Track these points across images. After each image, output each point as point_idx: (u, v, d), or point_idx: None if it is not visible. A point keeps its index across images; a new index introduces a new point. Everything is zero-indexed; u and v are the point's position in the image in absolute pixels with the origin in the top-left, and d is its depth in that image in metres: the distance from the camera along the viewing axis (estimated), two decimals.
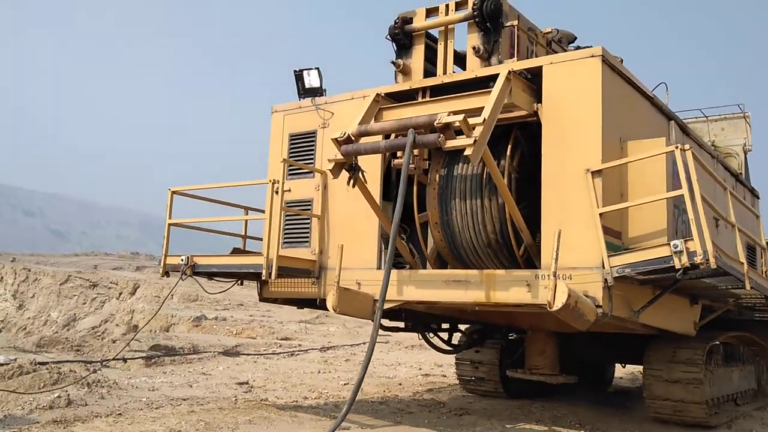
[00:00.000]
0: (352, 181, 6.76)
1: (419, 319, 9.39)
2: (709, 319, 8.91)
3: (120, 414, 8.00)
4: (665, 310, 7.31)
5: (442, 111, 6.52)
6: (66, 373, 9.35)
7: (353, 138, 6.66)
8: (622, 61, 9.38)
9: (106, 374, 10.11)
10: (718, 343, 9.03)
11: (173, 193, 8.39)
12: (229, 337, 18.21)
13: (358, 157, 6.75)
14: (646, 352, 8.84)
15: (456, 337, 10.64)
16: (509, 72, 6.63)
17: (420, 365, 14.24)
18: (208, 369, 12.42)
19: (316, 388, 10.73)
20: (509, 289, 6.67)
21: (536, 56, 8.12)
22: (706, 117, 13.58)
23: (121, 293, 26.18)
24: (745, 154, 13.74)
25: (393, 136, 7.10)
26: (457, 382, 10.99)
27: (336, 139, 6.63)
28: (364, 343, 16.65)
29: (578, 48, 9.52)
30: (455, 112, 6.25)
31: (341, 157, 6.63)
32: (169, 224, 8.41)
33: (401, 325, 9.48)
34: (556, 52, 8.70)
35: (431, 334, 10.01)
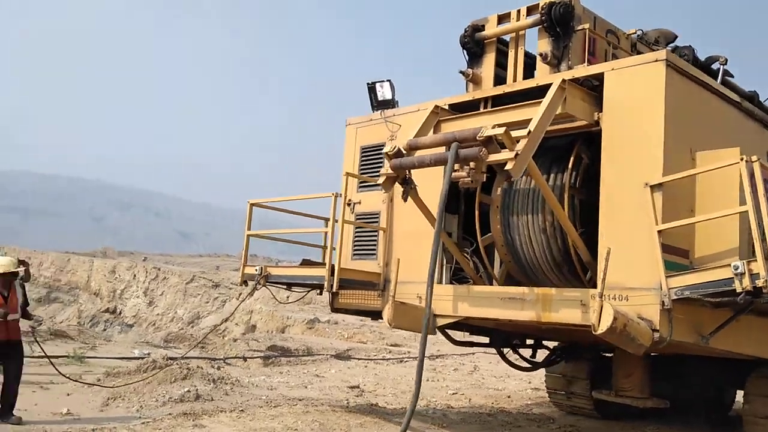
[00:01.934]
0: (404, 194, 6.96)
1: (500, 334, 9.38)
2: None
3: (242, 410, 8.64)
4: (744, 334, 6.87)
5: (500, 122, 6.57)
6: (194, 369, 10.35)
7: (404, 152, 6.86)
8: (726, 61, 8.90)
9: (228, 371, 11.04)
10: None
11: (252, 205, 8.98)
12: (340, 341, 19.12)
13: (413, 171, 6.93)
14: (747, 382, 8.35)
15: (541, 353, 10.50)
16: (563, 81, 6.54)
17: (530, 378, 14.12)
18: (321, 371, 13.15)
19: (424, 395, 11.01)
20: (561, 309, 6.59)
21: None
22: None
23: (240, 294, 27.86)
24: None
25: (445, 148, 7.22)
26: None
27: (387, 153, 6.86)
28: (473, 353, 16.74)
29: (676, 48, 9.16)
30: (506, 124, 6.28)
31: (391, 171, 6.84)
32: (248, 235, 9.02)
33: (481, 339, 9.53)
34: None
35: (508, 350, 9.94)
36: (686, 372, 9.48)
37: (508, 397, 11.90)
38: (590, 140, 7.13)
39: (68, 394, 9.49)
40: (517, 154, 5.89)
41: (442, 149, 6.99)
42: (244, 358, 13.45)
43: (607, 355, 10.28)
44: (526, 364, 10.14)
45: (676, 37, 9.46)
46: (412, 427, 8.27)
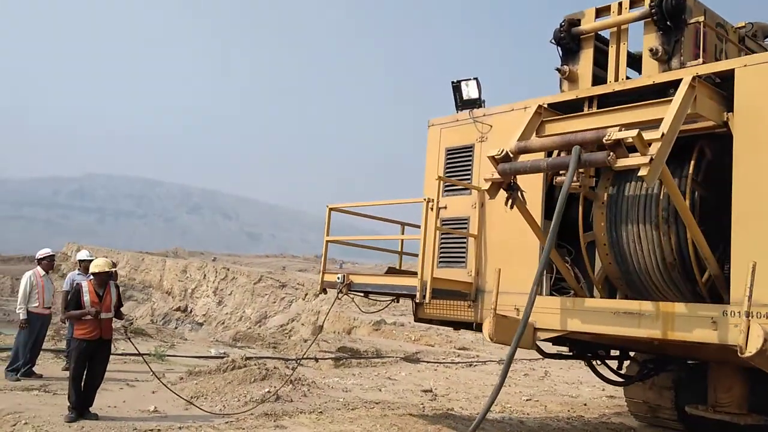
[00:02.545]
0: (510, 201, 6.28)
1: (584, 345, 8.67)
2: None
3: (321, 412, 8.61)
4: None
5: (612, 124, 5.88)
6: (271, 369, 10.31)
7: (512, 155, 6.18)
8: None
9: (302, 372, 11.05)
10: None
11: (331, 210, 8.38)
12: (408, 343, 19.01)
13: (518, 176, 6.26)
14: None
15: (627, 364, 9.79)
16: (694, 77, 5.80)
17: (603, 386, 13.62)
18: (392, 374, 13.04)
19: (499, 401, 10.77)
20: (691, 326, 5.87)
21: (726, 56, 7.15)
22: None
23: (306, 294, 27.75)
24: None
25: (555, 152, 6.53)
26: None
27: (493, 156, 6.19)
28: (543, 358, 16.47)
29: None
30: (627, 125, 5.59)
31: (498, 176, 6.17)
32: (327, 241, 8.42)
33: (565, 350, 8.82)
34: (751, 50, 7.64)
35: (598, 362, 9.24)
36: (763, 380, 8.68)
37: (585, 405, 11.41)
38: (713, 139, 6.38)
39: (153, 392, 9.41)
40: (651, 159, 5.17)
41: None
42: (316, 359, 13.29)
43: (691, 363, 9.58)
44: (618, 378, 9.37)
45: None
46: (488, 430, 8.12)
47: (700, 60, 6.65)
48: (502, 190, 6.31)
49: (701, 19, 6.77)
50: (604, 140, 5.39)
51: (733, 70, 6.01)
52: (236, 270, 31.90)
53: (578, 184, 6.62)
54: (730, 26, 7.54)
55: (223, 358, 11.30)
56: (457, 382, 12.73)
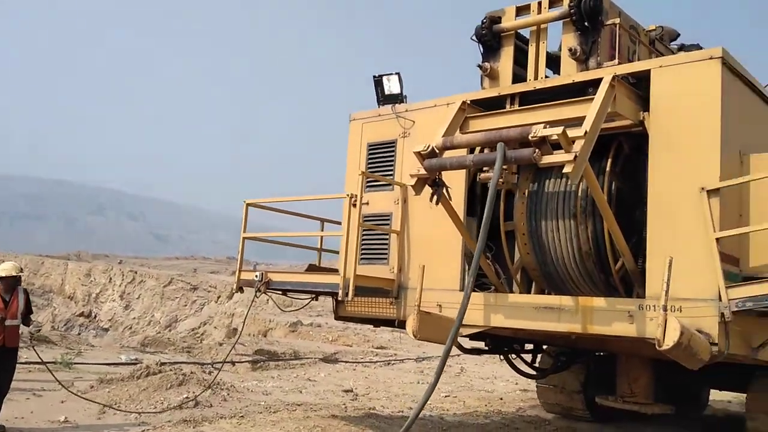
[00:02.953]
0: (435, 197, 6.23)
1: (501, 340, 8.79)
2: None
3: (242, 416, 8.41)
4: None
5: (535, 121, 5.94)
6: (188, 374, 9.98)
7: (437, 151, 6.14)
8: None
9: (219, 377, 10.71)
10: None
11: (248, 205, 8.10)
12: (326, 344, 18.89)
13: (443, 172, 6.22)
14: (752, 382, 8.04)
15: (540, 358, 10.02)
16: (614, 77, 5.94)
17: (516, 380, 14.10)
18: (311, 375, 12.92)
19: (418, 398, 10.81)
20: (609, 320, 6.02)
21: (639, 57, 7.39)
22: None
23: (219, 297, 27.04)
24: None
25: (478, 149, 6.56)
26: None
27: (419, 152, 6.13)
28: (459, 355, 16.73)
29: (682, 47, 8.71)
30: (551, 123, 5.65)
31: (424, 172, 6.11)
32: (244, 238, 8.14)
33: (481, 345, 8.90)
34: (660, 53, 7.94)
35: (513, 356, 9.40)
36: (667, 372, 9.12)
37: (501, 399, 11.66)
38: (630, 137, 6.58)
39: (62, 402, 8.89)
40: (575, 156, 5.25)
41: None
42: (233, 363, 12.95)
43: (599, 354, 9.90)
44: (533, 372, 9.57)
45: (679, 35, 9.04)
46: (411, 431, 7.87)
47: (616, 61, 6.83)
48: (427, 186, 6.27)
49: (617, 21, 6.95)
50: (529, 137, 5.42)
51: (649, 71, 6.19)
52: (144, 273, 30.79)
53: (501, 180, 6.66)
54: (642, 29, 7.80)
55: (135, 364, 10.98)
56: (377, 381, 12.74)
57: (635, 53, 7.45)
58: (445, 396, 11.49)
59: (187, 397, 8.78)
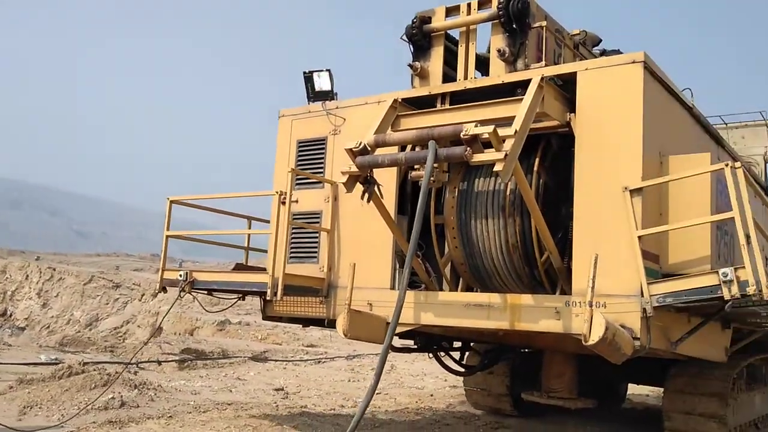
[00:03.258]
0: (366, 195, 6.20)
1: (430, 338, 8.85)
2: (741, 345, 8.40)
3: (171, 416, 8.27)
4: (699, 338, 6.76)
5: (466, 120, 6.00)
6: (113, 374, 9.71)
7: (369, 148, 6.11)
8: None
9: (145, 377, 10.55)
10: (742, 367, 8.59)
11: (172, 202, 7.84)
12: (255, 342, 18.67)
13: (374, 170, 6.20)
14: (668, 380, 8.38)
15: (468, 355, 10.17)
16: (542, 78, 6.06)
17: (446, 376, 14.38)
18: (240, 374, 12.73)
19: (350, 396, 10.97)
20: (536, 317, 6.14)
21: (563, 60, 7.58)
22: (726, 124, 13.10)
23: (143, 295, 26.10)
24: (766, 162, 13.28)
25: (410, 146, 6.57)
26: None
27: (351, 149, 6.08)
28: (397, 352, 16.98)
29: (603, 52, 8.99)
30: (481, 122, 5.71)
31: (356, 170, 6.07)
32: (167, 236, 7.88)
33: (411, 344, 8.94)
34: (584, 57, 8.17)
35: (442, 353, 9.49)
36: (588, 367, 9.44)
37: (431, 395, 11.80)
38: (556, 138, 6.75)
39: None
40: (506, 155, 5.32)
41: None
42: (159, 362, 12.67)
43: (525, 351, 10.12)
44: (461, 369, 9.69)
45: (601, 40, 9.33)
46: (344, 427, 8.09)
47: (543, 63, 6.98)
48: (358, 183, 6.23)
49: (544, 23, 7.10)
50: (461, 135, 5.46)
51: (575, 74, 6.36)
52: (64, 270, 29.37)
53: (433, 178, 6.69)
54: (567, 33, 8.01)
55: (56, 364, 10.61)
56: (308, 379, 12.70)
57: (560, 56, 7.65)
58: (377, 393, 11.49)
59: (112, 398, 8.57)
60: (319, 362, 15.44)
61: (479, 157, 5.45)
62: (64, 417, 7.83)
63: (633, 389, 13.35)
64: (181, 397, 9.64)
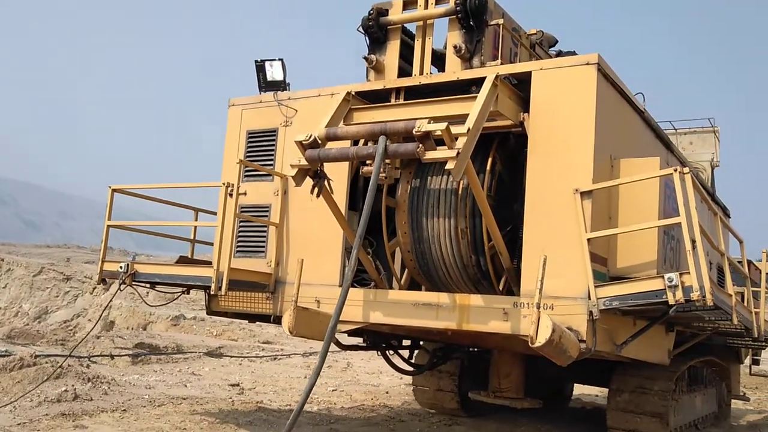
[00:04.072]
0: (316, 189, 6.09)
1: (379, 336, 8.79)
2: (684, 347, 8.59)
3: (125, 410, 8.23)
4: (644, 341, 6.87)
5: (420, 116, 5.94)
6: (66, 367, 9.58)
7: (320, 141, 5.99)
8: None
9: (98, 371, 10.37)
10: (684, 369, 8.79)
11: (114, 191, 7.58)
12: (210, 338, 18.57)
13: (325, 164, 6.09)
14: (612, 381, 8.51)
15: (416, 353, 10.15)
16: (497, 76, 6.04)
17: (402, 375, 14.19)
18: (195, 369, 12.65)
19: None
20: (484, 317, 6.14)
21: (519, 60, 7.59)
22: (676, 129, 13.39)
23: (94, 288, 25.46)
24: (713, 169, 13.63)
25: (362, 141, 6.48)
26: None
27: (300, 141, 5.95)
28: (345, 350, 16.97)
29: (560, 53, 9.04)
30: (435, 119, 5.66)
31: (305, 163, 5.95)
32: (108, 226, 7.62)
33: (359, 341, 8.87)
34: (539, 57, 8.19)
35: (391, 352, 9.45)
36: (535, 367, 9.54)
37: (387, 392, 11.88)
38: (508, 138, 6.75)
39: None
40: (458, 153, 5.28)
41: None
42: (112, 356, 12.49)
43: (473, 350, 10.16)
44: (410, 368, 9.66)
45: (557, 41, 9.39)
46: (300, 423, 8.12)
47: (498, 61, 6.97)
48: (308, 177, 6.12)
49: (501, 21, 7.08)
50: (413, 132, 5.39)
51: (530, 73, 6.35)
52: (12, 261, 28.47)
53: (384, 175, 6.63)
54: (524, 32, 8.02)
55: (7, 356, 10.35)
56: (263, 375, 12.66)
57: (516, 55, 7.65)
58: (332, 390, 11.62)
59: (65, 390, 8.44)
60: (275, 359, 15.40)
61: (431, 155, 5.39)
62: (16, 408, 7.71)
63: (583, 390, 13.59)
64: (135, 391, 9.59)
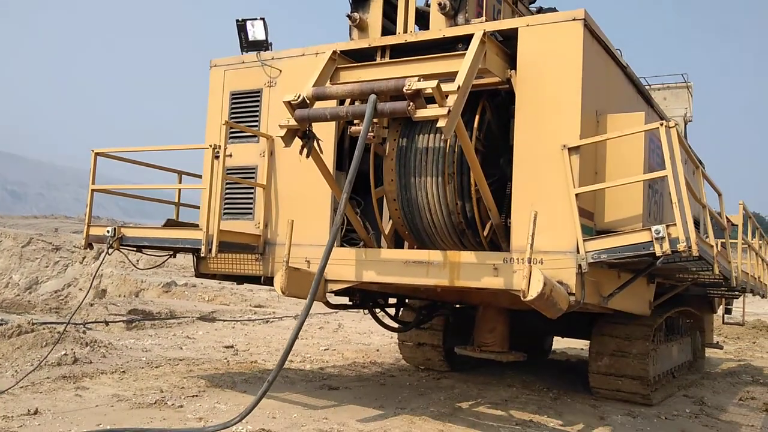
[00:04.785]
0: (306, 150, 6.07)
1: (366, 294, 8.88)
2: (664, 298, 8.81)
3: (124, 371, 8.36)
4: (627, 293, 7.02)
5: (408, 74, 5.90)
6: (64, 332, 9.48)
7: (308, 101, 5.96)
8: None
9: (95, 336, 10.38)
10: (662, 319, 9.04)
11: (97, 154, 7.48)
12: (202, 303, 18.74)
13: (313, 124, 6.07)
14: (591, 344, 8.73)
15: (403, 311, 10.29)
16: (485, 33, 6.02)
17: (392, 334, 14.44)
18: (189, 333, 12.81)
19: (299, 352, 11.21)
20: (476, 274, 6.22)
21: (503, 16, 7.57)
22: (650, 85, 13.51)
23: (84, 257, 25.25)
24: (686, 124, 13.84)
25: (348, 101, 6.45)
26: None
27: (289, 102, 5.92)
28: (336, 312, 17.11)
29: (540, 9, 9.02)
30: (423, 77, 5.63)
31: (294, 123, 5.92)
32: (92, 190, 7.54)
33: (346, 301, 8.95)
34: (522, 13, 8.18)
35: (378, 310, 9.56)
36: (516, 321, 9.74)
37: (377, 350, 12.15)
38: (494, 95, 6.76)
39: None
40: (449, 111, 5.28)
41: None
42: (106, 323, 12.60)
43: (458, 307, 10.31)
44: (397, 325, 9.79)
45: None
46: (294, 381, 8.51)
47: (483, 18, 6.94)
48: (297, 138, 6.09)
49: None
50: (404, 90, 5.39)
51: (516, 30, 6.34)
52: (1, 232, 28.11)
53: (372, 134, 6.61)
54: None
55: (4, 324, 10.37)
56: (256, 338, 12.84)
57: (500, 12, 7.63)
58: (325, 349, 11.84)
59: (65, 354, 8.55)
60: (267, 322, 15.57)
61: (422, 113, 5.40)
62: (18, 373, 7.72)
63: (569, 343, 13.93)
64: (133, 354, 9.74)
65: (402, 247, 7.41)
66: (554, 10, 8.86)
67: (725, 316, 14.36)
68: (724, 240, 8.07)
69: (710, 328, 13.69)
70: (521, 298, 5.46)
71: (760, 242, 11.67)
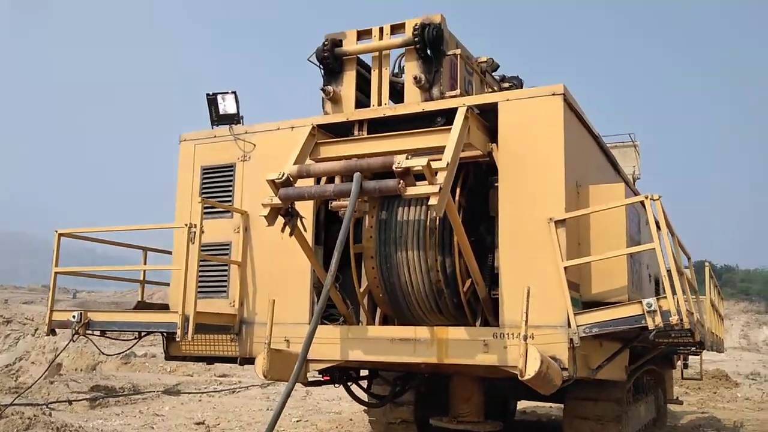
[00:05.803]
0: (289, 228, 5.84)
1: (340, 369, 8.53)
2: (639, 363, 8.75)
3: None
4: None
5: (390, 149, 5.82)
6: (33, 417, 9.04)
7: (292, 179, 5.76)
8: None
9: (60, 418, 9.87)
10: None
11: (60, 235, 7.05)
12: (165, 375, 18.13)
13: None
14: (568, 396, 8.60)
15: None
16: (469, 108, 5.99)
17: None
18: (156, 409, 12.34)
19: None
20: (465, 350, 6.03)
21: (473, 87, 7.58)
22: None
23: (36, 329, 23.82)
24: (634, 181, 14.19)
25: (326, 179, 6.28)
26: None
27: (273, 180, 5.70)
28: (309, 386, 16.64)
29: (503, 78, 9.11)
30: (405, 152, 5.54)
31: (278, 202, 5.70)
32: (56, 273, 7.07)
33: (322, 378, 8.56)
34: (490, 84, 8.23)
35: (351, 383, 9.18)
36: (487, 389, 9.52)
37: (350, 420, 11.74)
38: (476, 167, 6.72)
39: None
40: (440, 188, 5.17)
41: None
42: (69, 402, 12.04)
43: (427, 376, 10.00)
44: (373, 400, 9.42)
45: (498, 65, 9.47)
46: None
47: (457, 91, 6.92)
48: (279, 215, 5.86)
49: (457, 51, 7.06)
50: (393, 168, 5.27)
51: (496, 104, 6.33)
52: None
53: (355, 210, 6.43)
54: (474, 59, 8.03)
55: None
56: (225, 410, 12.41)
57: (471, 83, 7.65)
58: (297, 421, 11.48)
59: None
60: (233, 392, 15.15)
61: (413, 191, 5.28)
62: None
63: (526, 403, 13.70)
64: None
65: (385, 320, 7.15)
66: (518, 78, 8.99)
67: (683, 371, 14.48)
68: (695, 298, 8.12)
69: (671, 383, 13.76)
70: (518, 377, 5.28)
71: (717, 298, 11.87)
